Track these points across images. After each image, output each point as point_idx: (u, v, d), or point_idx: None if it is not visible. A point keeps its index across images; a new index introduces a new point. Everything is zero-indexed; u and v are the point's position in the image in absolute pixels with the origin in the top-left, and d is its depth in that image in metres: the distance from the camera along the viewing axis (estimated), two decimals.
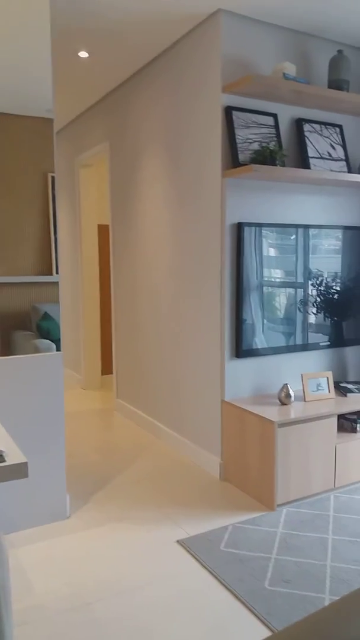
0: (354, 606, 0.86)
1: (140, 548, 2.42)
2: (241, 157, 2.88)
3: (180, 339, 3.50)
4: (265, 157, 2.84)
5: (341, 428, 3.09)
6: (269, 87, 2.79)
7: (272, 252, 3.09)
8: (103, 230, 5.71)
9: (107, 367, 5.83)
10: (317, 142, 3.14)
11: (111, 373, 5.75)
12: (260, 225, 3.02)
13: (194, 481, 3.12)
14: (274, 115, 3.03)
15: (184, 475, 3.20)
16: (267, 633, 1.88)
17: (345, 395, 3.13)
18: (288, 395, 2.95)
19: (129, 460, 3.47)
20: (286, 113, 3.11)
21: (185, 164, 3.30)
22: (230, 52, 2.90)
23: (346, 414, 3.08)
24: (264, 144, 2.94)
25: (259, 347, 3.10)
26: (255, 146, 2.93)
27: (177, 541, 2.47)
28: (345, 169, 3.23)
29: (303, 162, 3.11)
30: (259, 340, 3.10)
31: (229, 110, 2.89)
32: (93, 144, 4.67)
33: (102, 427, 4.15)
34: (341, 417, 3.10)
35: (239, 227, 2.95)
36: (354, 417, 3.07)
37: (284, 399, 2.95)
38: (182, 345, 3.48)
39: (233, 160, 2.90)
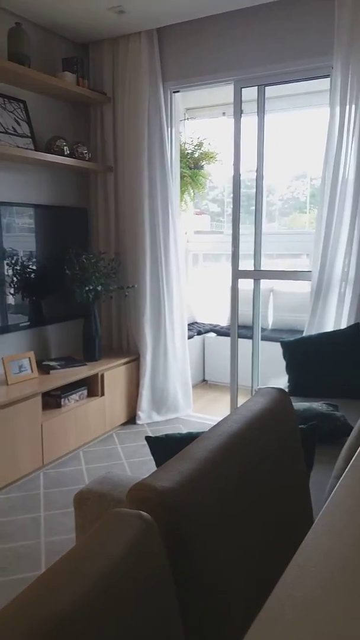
0: (56, 577, 0.88)
1: None
2: None
3: None
4: None
5: (47, 405, 3.13)
6: None
7: None
8: None
9: None
10: (0, 116, 3.02)
11: None
12: None
13: None
14: None
15: None
16: None
17: (49, 373, 3.18)
18: None
19: None
20: None
21: None
22: None
23: (50, 390, 3.13)
24: None
25: None
26: None
27: None
28: (32, 147, 3.20)
29: None
30: None
31: None
32: None
33: None
34: (46, 394, 3.14)
35: None
36: (58, 392, 3.15)
37: None
38: None
39: None
